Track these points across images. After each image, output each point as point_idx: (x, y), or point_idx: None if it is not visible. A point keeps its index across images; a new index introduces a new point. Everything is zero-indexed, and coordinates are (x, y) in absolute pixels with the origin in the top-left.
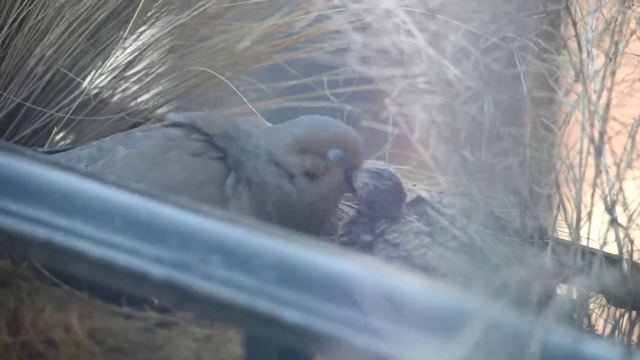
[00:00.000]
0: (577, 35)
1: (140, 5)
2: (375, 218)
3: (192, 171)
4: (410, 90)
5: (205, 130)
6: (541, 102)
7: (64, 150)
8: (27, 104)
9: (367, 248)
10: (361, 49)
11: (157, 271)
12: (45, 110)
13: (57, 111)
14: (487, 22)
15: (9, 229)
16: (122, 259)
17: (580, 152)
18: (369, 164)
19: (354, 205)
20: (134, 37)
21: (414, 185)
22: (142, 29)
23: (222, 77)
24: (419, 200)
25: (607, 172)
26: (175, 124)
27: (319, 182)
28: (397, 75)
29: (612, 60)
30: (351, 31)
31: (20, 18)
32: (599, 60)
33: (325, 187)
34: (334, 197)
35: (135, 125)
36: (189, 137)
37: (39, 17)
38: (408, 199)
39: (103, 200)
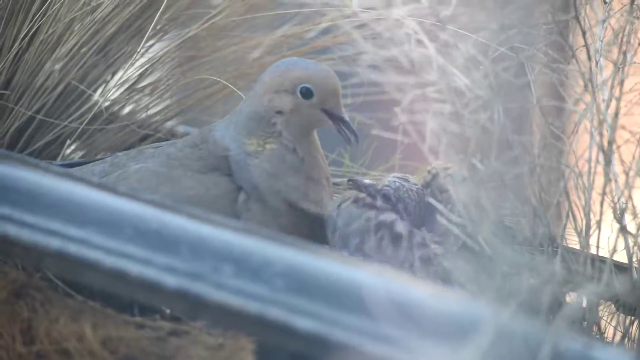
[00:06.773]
0: (586, 45)
1: (155, 20)
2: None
3: (205, 187)
4: (420, 99)
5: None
6: (550, 111)
7: (77, 164)
8: (39, 116)
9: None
10: (372, 58)
11: (170, 280)
12: (57, 122)
13: (69, 124)
14: (496, 31)
15: (23, 240)
16: (134, 268)
17: (589, 161)
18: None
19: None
20: (144, 49)
21: None
22: (152, 41)
23: (232, 87)
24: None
25: (616, 180)
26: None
27: (287, 117)
28: (408, 84)
29: (620, 69)
30: (362, 40)
31: (31, 32)
32: (608, 70)
33: (294, 122)
34: (305, 132)
35: (146, 137)
36: (194, 155)
37: (50, 31)
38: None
39: (115, 211)
